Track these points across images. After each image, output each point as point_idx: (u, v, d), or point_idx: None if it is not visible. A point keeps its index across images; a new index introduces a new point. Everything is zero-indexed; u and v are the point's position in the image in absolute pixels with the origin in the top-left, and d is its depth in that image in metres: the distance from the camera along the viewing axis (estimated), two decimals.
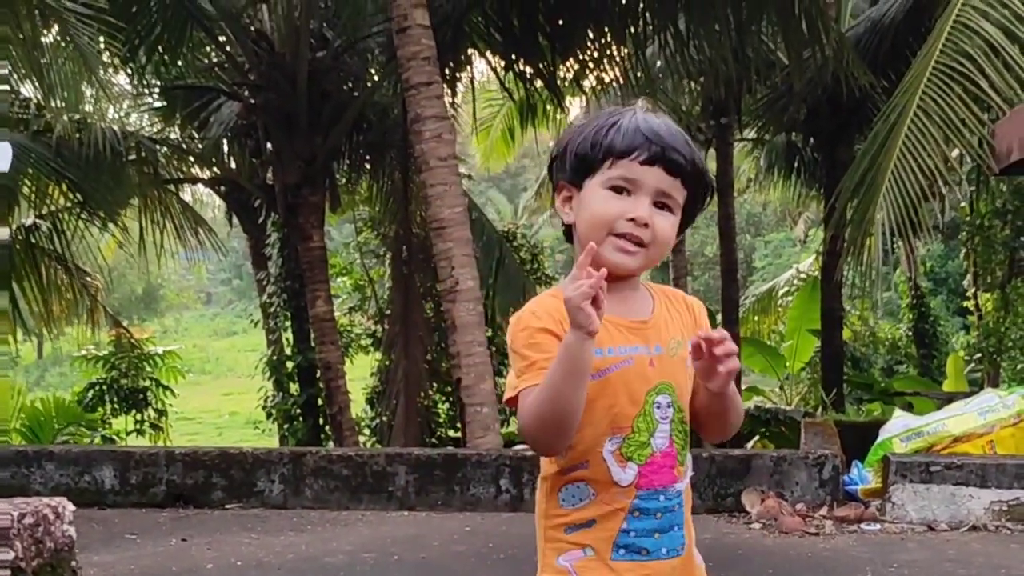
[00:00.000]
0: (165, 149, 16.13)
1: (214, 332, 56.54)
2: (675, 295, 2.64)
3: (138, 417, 16.86)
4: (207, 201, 21.65)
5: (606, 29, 13.56)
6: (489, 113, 20.93)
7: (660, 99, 17.11)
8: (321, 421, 15.82)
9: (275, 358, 16.60)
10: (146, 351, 17.54)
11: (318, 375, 15.10)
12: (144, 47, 13.68)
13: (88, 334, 16.64)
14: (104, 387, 16.68)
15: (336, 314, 15.54)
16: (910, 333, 23.76)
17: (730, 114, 17.05)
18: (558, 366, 2.26)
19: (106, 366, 16.89)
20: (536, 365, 2.35)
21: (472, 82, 15.42)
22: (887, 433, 8.59)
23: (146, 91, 15.80)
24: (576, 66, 14.22)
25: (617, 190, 2.42)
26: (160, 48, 13.81)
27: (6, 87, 11.46)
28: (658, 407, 2.44)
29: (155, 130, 16.62)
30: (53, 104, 12.47)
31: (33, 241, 14.71)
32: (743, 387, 18.02)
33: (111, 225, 14.87)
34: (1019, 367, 15.46)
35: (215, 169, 17.00)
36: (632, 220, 2.40)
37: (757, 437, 13.11)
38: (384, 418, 15.64)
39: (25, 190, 13.60)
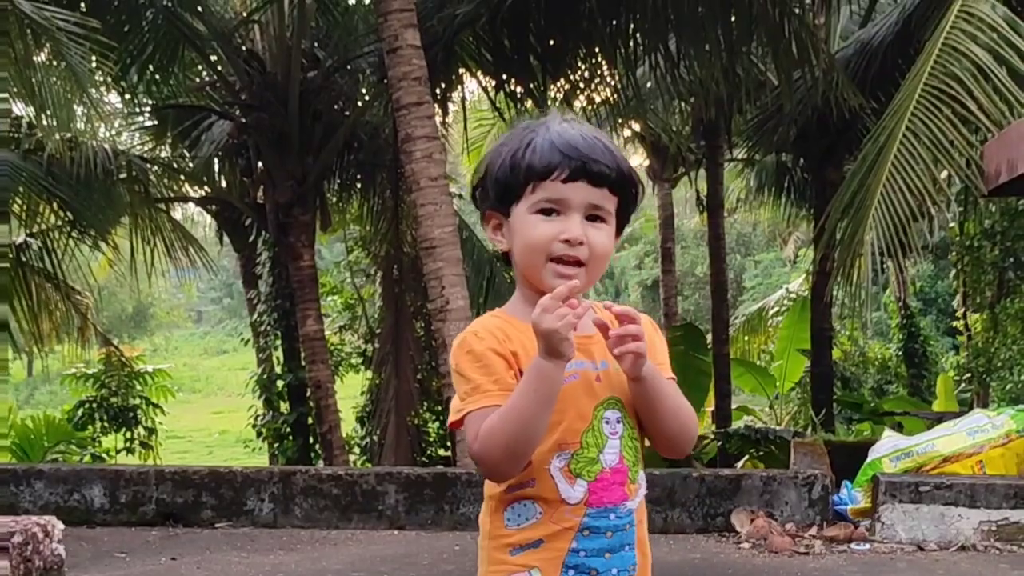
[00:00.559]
0: (156, 168, 16.11)
1: (204, 351, 56.46)
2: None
3: (128, 435, 16.82)
4: (198, 220, 21.66)
5: (597, 50, 13.60)
6: (480, 133, 20.96)
7: (650, 119, 17.20)
8: (311, 440, 15.81)
9: (265, 377, 16.58)
10: (136, 369, 17.51)
11: (308, 394, 15.09)
12: (136, 66, 13.73)
13: (78, 352, 16.59)
14: (94, 405, 16.65)
15: (326, 333, 15.52)
16: (900, 353, 23.78)
17: (720, 134, 17.09)
18: (531, 393, 2.23)
19: (96, 384, 16.86)
20: (481, 388, 2.32)
21: (463, 102, 15.44)
22: (876, 453, 8.62)
23: (137, 110, 15.80)
24: (567, 86, 14.25)
25: (546, 212, 2.37)
26: (152, 67, 13.85)
27: (7, 106, 11.50)
28: (607, 422, 2.40)
29: (146, 149, 16.62)
30: (44, 123, 12.46)
31: (24, 259, 14.70)
32: (733, 406, 18.03)
33: (102, 243, 14.87)
34: (1008, 387, 15.50)
35: (206, 188, 17.00)
36: (567, 241, 2.35)
37: (747, 457, 13.10)
38: (374, 437, 15.63)
39: (16, 208, 13.59)
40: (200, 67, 15.27)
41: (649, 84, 14.29)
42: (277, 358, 16.54)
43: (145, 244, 15.55)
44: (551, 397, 2.25)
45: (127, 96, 14.92)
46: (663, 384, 2.44)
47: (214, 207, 17.81)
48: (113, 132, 16.31)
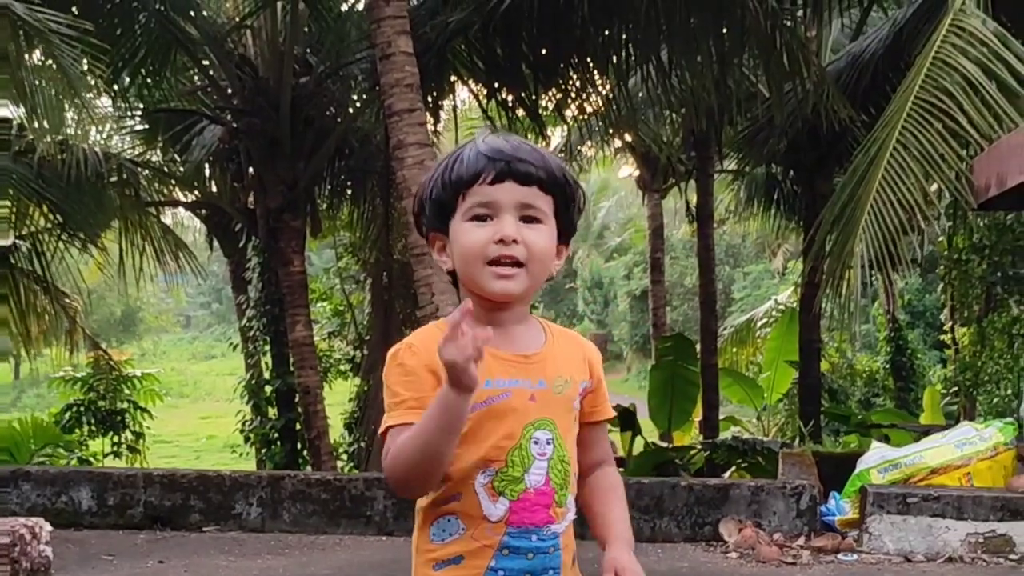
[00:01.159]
0: (147, 172, 16.09)
1: (192, 355, 56.42)
2: (574, 338, 2.58)
3: (115, 439, 16.78)
4: (188, 224, 21.62)
5: (589, 59, 13.62)
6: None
7: (641, 129, 17.22)
8: (299, 446, 15.79)
9: (254, 382, 16.56)
10: (124, 373, 17.47)
11: (297, 399, 15.08)
12: (128, 70, 13.72)
13: (66, 356, 16.57)
14: (82, 409, 16.59)
15: (315, 339, 15.53)
16: (887, 366, 23.81)
17: (711, 145, 17.12)
18: (434, 420, 2.22)
19: (84, 388, 16.81)
20: (405, 404, 2.32)
21: (455, 110, 15.45)
22: (864, 464, 8.63)
23: (129, 114, 15.80)
24: (558, 95, 14.28)
25: (479, 218, 2.37)
26: (143, 71, 13.84)
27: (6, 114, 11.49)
28: (535, 443, 2.37)
29: (137, 153, 16.60)
30: (35, 125, 12.46)
31: (12, 262, 14.67)
32: (720, 417, 18.07)
33: (91, 247, 14.84)
34: (995, 401, 15.51)
35: (196, 192, 16.99)
36: (500, 241, 2.35)
37: (734, 468, 13.10)
38: (362, 444, 15.62)
39: (5, 211, 13.57)
40: (192, 71, 15.25)
41: (640, 94, 14.31)
42: (266, 363, 16.52)
43: (135, 248, 15.53)
44: (454, 427, 2.22)
45: (119, 99, 14.92)
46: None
47: (204, 212, 17.80)
48: (104, 135, 16.31)
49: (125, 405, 17.01)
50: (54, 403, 19.60)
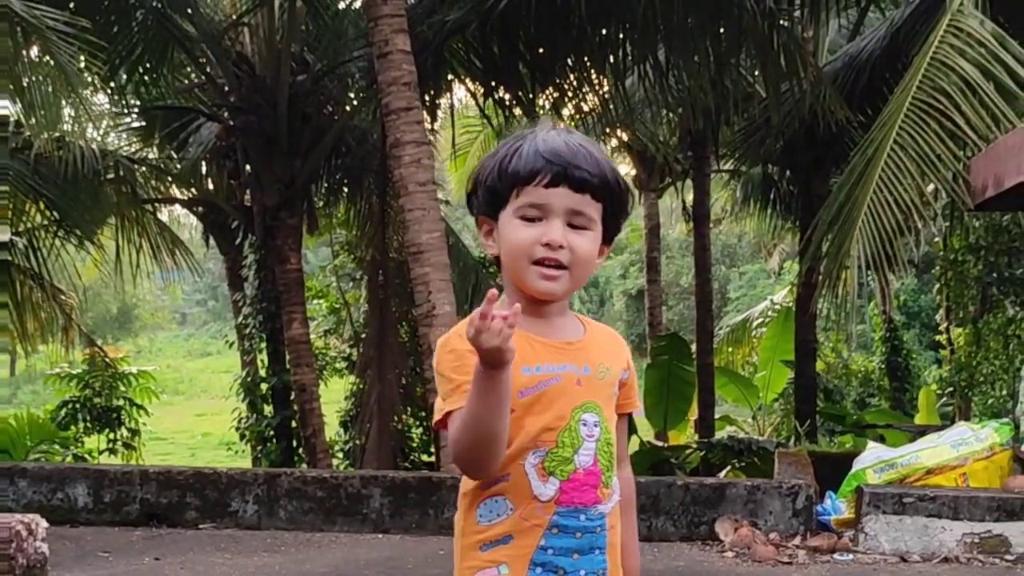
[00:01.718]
0: (143, 169, 16.08)
1: (188, 353, 56.32)
2: (608, 330, 2.68)
3: (111, 436, 16.79)
4: (184, 222, 21.65)
5: (586, 58, 13.63)
6: (467, 140, 20.99)
7: (638, 129, 17.22)
8: (295, 443, 15.79)
9: (249, 379, 16.57)
10: (120, 370, 17.47)
11: (292, 397, 15.08)
12: (125, 67, 13.72)
13: (62, 352, 16.56)
14: (77, 406, 16.60)
15: (311, 337, 15.52)
16: (883, 366, 23.84)
17: (707, 145, 17.13)
18: (477, 396, 2.27)
19: (80, 385, 16.82)
20: (462, 388, 2.36)
21: (451, 109, 15.44)
22: (860, 464, 8.64)
23: (126, 111, 15.77)
24: (555, 94, 14.27)
25: (529, 218, 2.43)
26: (141, 68, 13.85)
27: (6, 111, 11.47)
28: (584, 424, 2.45)
29: (134, 150, 16.59)
30: (32, 121, 12.44)
31: (8, 258, 14.65)
32: (716, 416, 18.08)
33: (88, 244, 14.84)
34: (990, 402, 15.50)
35: (193, 190, 16.96)
36: (547, 244, 2.41)
37: (729, 467, 13.12)
38: (358, 441, 15.61)
39: (1, 207, 13.56)
40: (189, 69, 15.25)
41: (638, 94, 14.32)
42: (262, 361, 16.53)
43: (131, 245, 15.53)
44: (504, 400, 2.29)
45: (115, 96, 14.90)
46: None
47: (201, 209, 17.78)
48: (101, 132, 16.30)
49: (121, 402, 17.03)
50: (50, 400, 19.60)
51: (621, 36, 13.03)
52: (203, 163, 15.88)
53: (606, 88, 14.16)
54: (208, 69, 14.57)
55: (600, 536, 2.45)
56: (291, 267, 13.96)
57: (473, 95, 15.06)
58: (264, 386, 16.20)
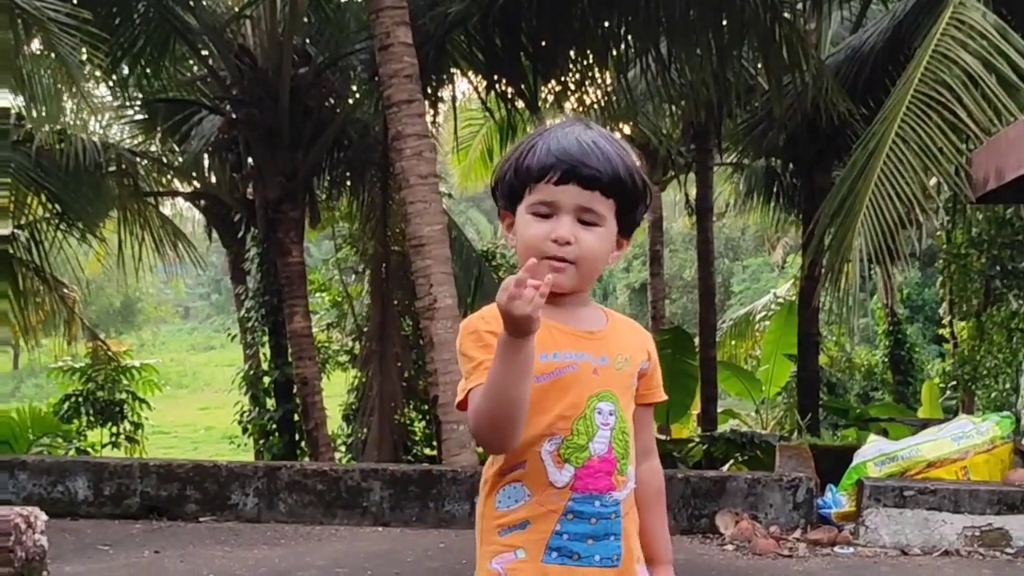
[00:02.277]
0: (145, 162, 16.09)
1: (191, 346, 56.39)
2: (631, 323, 2.73)
3: (114, 430, 16.76)
4: (187, 215, 21.58)
5: (588, 51, 13.61)
6: (469, 132, 20.98)
7: (641, 122, 17.20)
8: (297, 437, 15.79)
9: (252, 373, 16.57)
10: (123, 364, 17.45)
11: (295, 391, 15.07)
12: (127, 59, 13.72)
13: (65, 346, 16.57)
14: (80, 399, 16.57)
15: (314, 330, 15.52)
16: (886, 360, 23.82)
17: (710, 138, 17.11)
18: (500, 364, 2.30)
19: (82, 378, 16.79)
20: (483, 365, 2.40)
21: (453, 101, 15.42)
22: (861, 457, 8.63)
23: (128, 103, 15.77)
24: (558, 87, 14.26)
25: (540, 214, 2.49)
26: (143, 61, 13.84)
27: (8, 104, 11.48)
28: (599, 413, 2.49)
29: (136, 143, 16.59)
30: (34, 114, 12.44)
31: (11, 251, 14.65)
32: (719, 410, 18.08)
33: (90, 237, 14.83)
34: (993, 395, 15.48)
35: (195, 183, 16.95)
36: (555, 241, 2.46)
37: (732, 461, 13.10)
38: (360, 435, 15.61)
39: (3, 200, 13.56)
40: (191, 61, 15.25)
41: (640, 87, 14.30)
42: (264, 354, 16.52)
43: (133, 238, 15.54)
44: (526, 368, 2.32)
45: (117, 89, 14.89)
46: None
47: (203, 202, 17.78)
48: (103, 125, 16.28)
49: (124, 396, 16.99)
50: (53, 393, 19.60)
51: (623, 29, 13.02)
52: (205, 156, 15.88)
53: (608, 81, 14.15)
54: (210, 62, 14.54)
55: (615, 523, 2.50)
56: (293, 260, 13.95)
57: (475, 88, 15.05)
58: (266, 379, 16.20)
